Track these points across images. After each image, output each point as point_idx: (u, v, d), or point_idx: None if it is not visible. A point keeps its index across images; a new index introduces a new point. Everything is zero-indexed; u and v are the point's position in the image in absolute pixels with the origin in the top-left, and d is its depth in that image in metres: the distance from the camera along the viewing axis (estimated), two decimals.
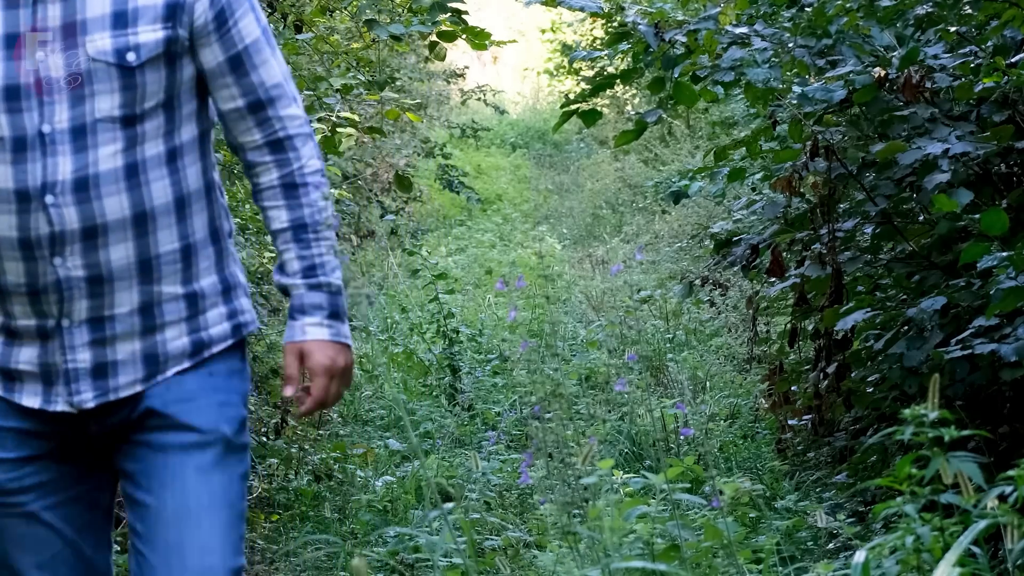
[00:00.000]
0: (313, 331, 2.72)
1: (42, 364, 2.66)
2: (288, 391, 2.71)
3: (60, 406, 2.67)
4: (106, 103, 2.58)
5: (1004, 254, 4.38)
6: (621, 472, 4.53)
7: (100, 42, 2.58)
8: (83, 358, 2.64)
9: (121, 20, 2.59)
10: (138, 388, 2.67)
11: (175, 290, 2.67)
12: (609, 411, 7.17)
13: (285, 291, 2.75)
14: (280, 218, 2.74)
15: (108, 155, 2.58)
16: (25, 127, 2.57)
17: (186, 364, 2.70)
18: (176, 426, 2.66)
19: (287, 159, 2.73)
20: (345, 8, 7.48)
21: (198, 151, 2.70)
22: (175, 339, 2.68)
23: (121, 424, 2.69)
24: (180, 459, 2.65)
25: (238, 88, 2.70)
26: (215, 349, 2.72)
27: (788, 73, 5.55)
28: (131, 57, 2.58)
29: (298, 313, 2.73)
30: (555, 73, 22.08)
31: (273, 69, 2.72)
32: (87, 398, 2.65)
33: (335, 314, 2.74)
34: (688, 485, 4.66)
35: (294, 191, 2.72)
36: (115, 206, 2.59)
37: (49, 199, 2.57)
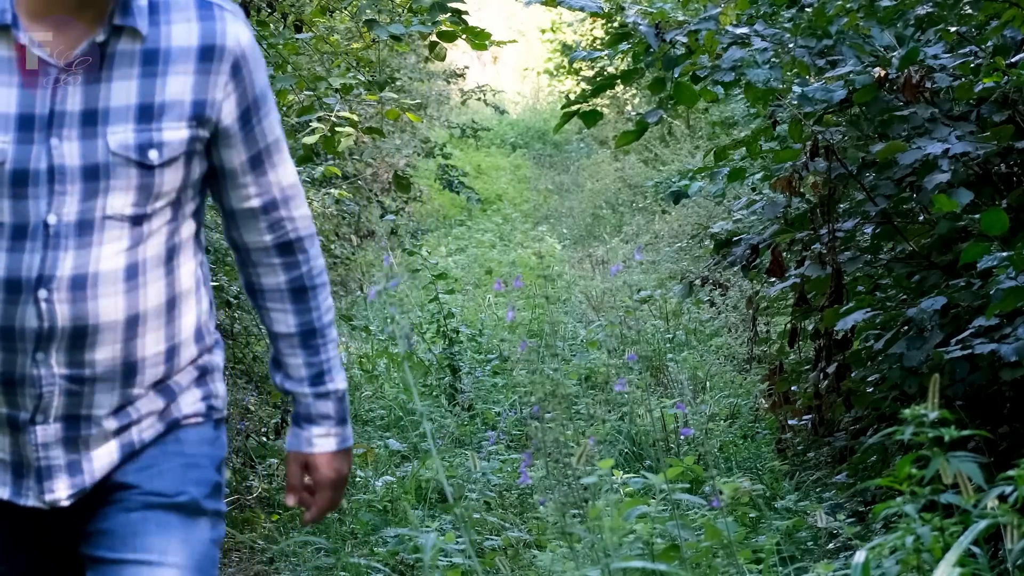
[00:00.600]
0: (321, 443, 2.64)
1: (13, 455, 2.48)
2: (291, 500, 2.65)
3: (31, 501, 2.49)
4: (119, 200, 2.41)
5: (1004, 254, 4.38)
6: (621, 472, 4.53)
7: (123, 135, 2.41)
8: (56, 455, 2.47)
9: (147, 114, 2.43)
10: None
11: (152, 387, 2.53)
12: (609, 411, 7.17)
13: (288, 394, 2.66)
14: (287, 323, 2.62)
15: (112, 254, 2.42)
16: (29, 215, 2.40)
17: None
18: (141, 493, 2.49)
19: (296, 262, 2.61)
20: (345, 8, 7.48)
21: (192, 248, 2.55)
22: (149, 428, 2.52)
23: (83, 506, 2.51)
24: (142, 515, 2.47)
25: (256, 188, 2.56)
26: (185, 422, 2.56)
27: (788, 73, 5.55)
28: (153, 155, 2.42)
29: (305, 423, 2.64)
30: (555, 73, 22.09)
31: (290, 167, 2.60)
32: (61, 496, 2.48)
33: (342, 420, 2.66)
34: (688, 485, 4.66)
35: (303, 295, 2.61)
36: (110, 308, 2.43)
37: (42, 293, 2.40)
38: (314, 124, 6.12)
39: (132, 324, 2.45)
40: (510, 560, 5.11)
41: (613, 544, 3.71)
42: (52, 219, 2.40)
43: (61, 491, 2.47)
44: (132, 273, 2.44)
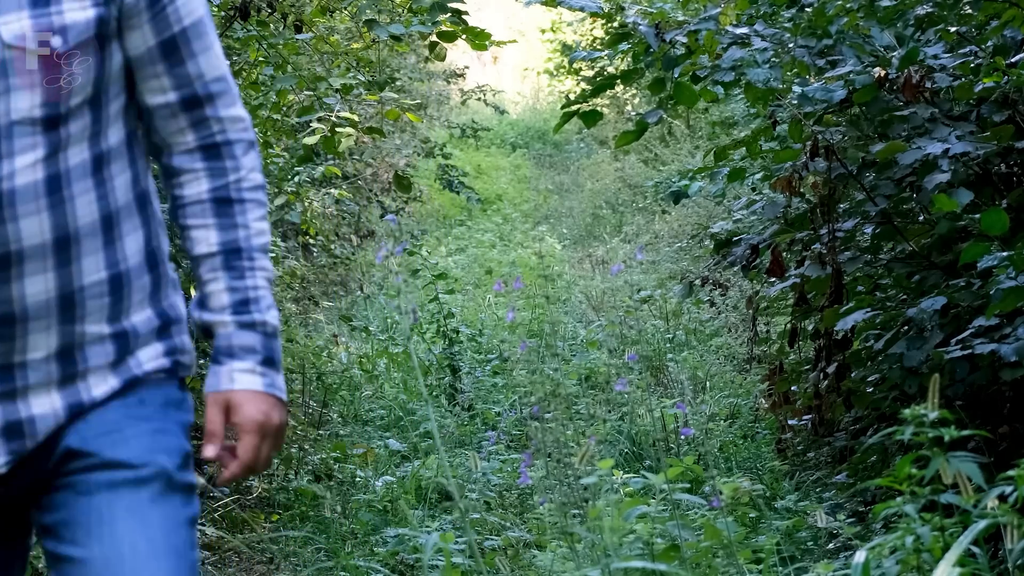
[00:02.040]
0: (243, 379, 2.20)
1: None
2: (209, 451, 2.19)
3: None
4: (25, 101, 2.06)
5: (1004, 254, 4.38)
6: (621, 472, 4.53)
7: (16, 24, 2.06)
8: None
9: None
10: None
11: (100, 329, 2.16)
12: (609, 411, 7.17)
13: (208, 330, 2.23)
14: (208, 240, 2.22)
15: (26, 166, 2.06)
16: None
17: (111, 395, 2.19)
18: (101, 464, 2.14)
19: (222, 168, 2.23)
20: (345, 8, 7.49)
21: (127, 156, 2.19)
22: (100, 384, 2.17)
23: (35, 480, 2.17)
24: (108, 500, 2.13)
25: (170, 79, 2.19)
26: (146, 378, 2.21)
27: (788, 73, 5.55)
28: (56, 42, 2.07)
29: (225, 356, 2.21)
30: (555, 73, 22.09)
31: (215, 60, 2.22)
32: None
33: (269, 360, 2.22)
34: (688, 485, 4.66)
35: (228, 208, 2.22)
36: (33, 228, 2.07)
37: None
38: (314, 124, 6.13)
39: (62, 247, 2.10)
40: (510, 560, 5.11)
41: (613, 544, 3.71)
42: None
43: None
44: (54, 186, 2.09)
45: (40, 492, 2.18)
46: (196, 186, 2.23)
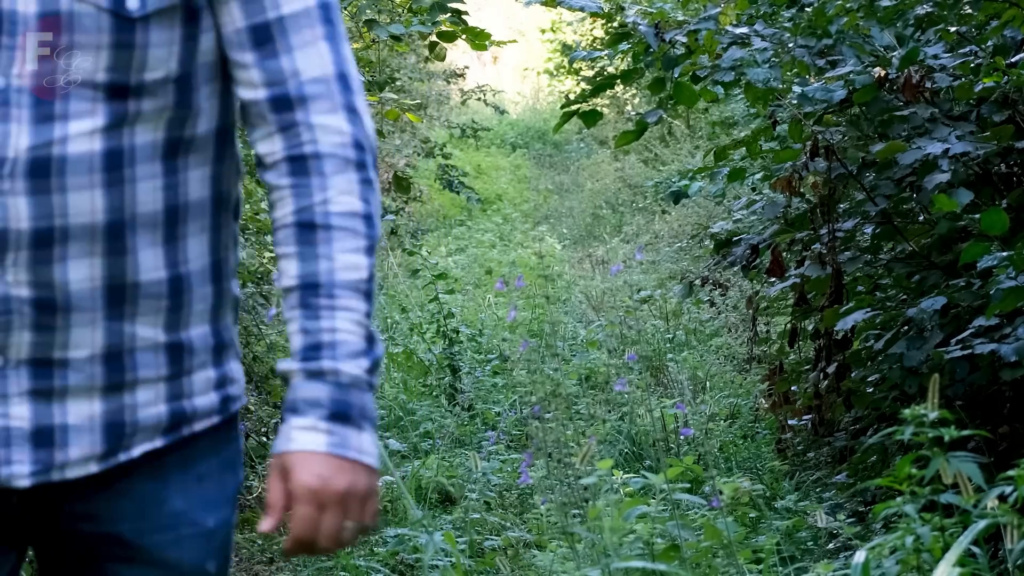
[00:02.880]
0: (301, 438, 1.82)
1: None
2: (265, 525, 1.84)
3: None
4: (89, 61, 1.81)
5: (1004, 254, 4.39)
6: (621, 472, 4.53)
7: None
8: (19, 413, 1.83)
9: None
10: (92, 469, 1.86)
11: (155, 336, 1.88)
12: (609, 411, 7.17)
13: (285, 381, 1.90)
14: (288, 272, 1.88)
15: (83, 133, 1.81)
16: None
17: (159, 443, 1.89)
18: (148, 562, 1.89)
19: (307, 187, 1.86)
20: (345, 8, 7.48)
21: (213, 151, 1.91)
22: (149, 405, 1.88)
23: (67, 533, 1.91)
24: None
25: (260, 72, 1.87)
26: (197, 427, 1.92)
27: (788, 73, 5.55)
28: (132, 4, 1.81)
29: (289, 412, 1.86)
30: (555, 73, 22.09)
31: (319, 58, 1.88)
32: (21, 471, 1.84)
33: (340, 415, 1.82)
34: (688, 485, 4.66)
35: (310, 235, 1.86)
36: (84, 205, 1.82)
37: None
38: None
39: (115, 233, 1.84)
40: (510, 560, 5.11)
41: (613, 544, 3.71)
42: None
43: (21, 464, 1.85)
44: (113, 162, 1.83)
45: (59, 539, 1.92)
46: (283, 207, 1.88)
